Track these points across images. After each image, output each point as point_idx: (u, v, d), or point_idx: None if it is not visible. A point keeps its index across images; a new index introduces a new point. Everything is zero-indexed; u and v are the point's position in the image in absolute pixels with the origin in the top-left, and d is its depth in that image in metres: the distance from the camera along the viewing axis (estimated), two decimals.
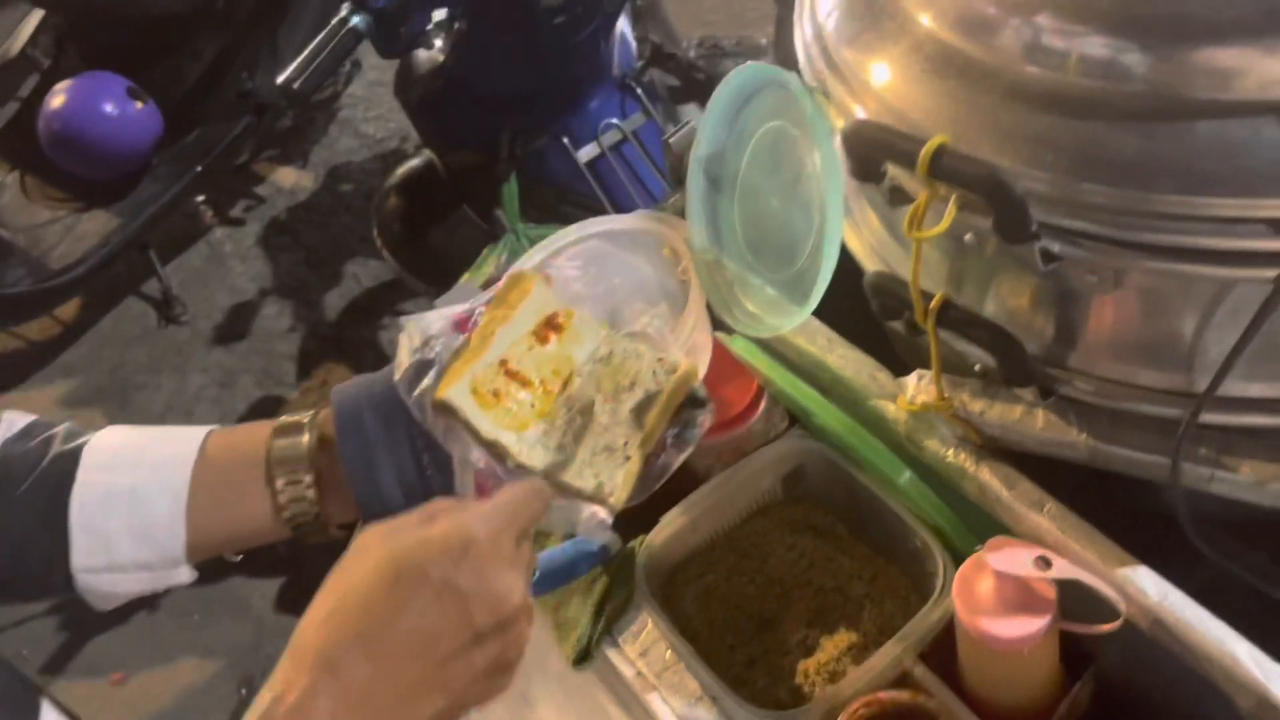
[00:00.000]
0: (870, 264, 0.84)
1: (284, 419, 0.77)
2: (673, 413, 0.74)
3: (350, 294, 2.83)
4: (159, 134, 2.71)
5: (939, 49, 0.71)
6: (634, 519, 0.94)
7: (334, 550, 0.81)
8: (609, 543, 0.92)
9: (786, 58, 0.88)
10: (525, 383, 0.74)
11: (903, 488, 0.82)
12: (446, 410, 0.72)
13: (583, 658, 0.91)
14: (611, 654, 0.90)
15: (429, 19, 1.71)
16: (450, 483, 0.75)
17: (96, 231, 2.69)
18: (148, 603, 2.19)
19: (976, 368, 0.77)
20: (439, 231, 2.01)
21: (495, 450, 0.72)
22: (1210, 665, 0.67)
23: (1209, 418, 0.67)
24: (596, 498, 0.71)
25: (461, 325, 0.77)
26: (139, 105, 2.67)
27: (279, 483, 0.74)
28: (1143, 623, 0.70)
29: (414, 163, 2.06)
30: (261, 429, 0.76)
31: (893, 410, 0.81)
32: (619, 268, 1.04)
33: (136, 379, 2.77)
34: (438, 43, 1.81)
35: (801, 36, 0.83)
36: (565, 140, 1.83)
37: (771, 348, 0.92)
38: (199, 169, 2.72)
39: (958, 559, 0.81)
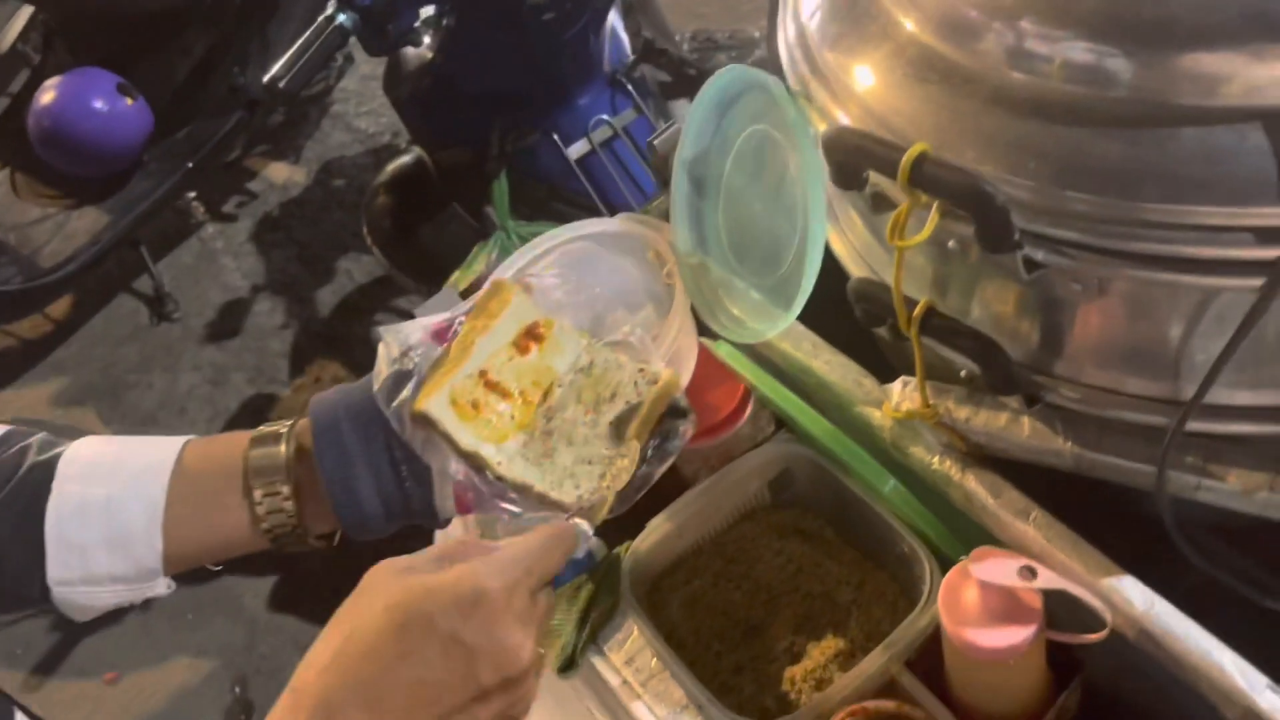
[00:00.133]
0: (855, 268, 0.84)
1: (262, 429, 0.76)
2: (654, 424, 0.73)
3: (343, 290, 2.82)
4: (149, 130, 2.69)
5: (921, 53, 0.70)
6: (619, 525, 0.94)
7: (327, 552, 0.80)
8: (593, 549, 0.92)
9: (778, 53, 0.87)
10: (505, 394, 0.74)
11: (888, 496, 0.82)
12: (425, 422, 0.71)
13: (567, 666, 0.90)
14: (597, 662, 0.89)
15: (416, 16, 1.70)
16: (429, 494, 0.74)
17: (87, 229, 2.67)
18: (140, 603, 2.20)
19: (962, 374, 0.76)
20: (429, 229, 2.00)
21: (474, 462, 0.71)
22: (1196, 676, 0.66)
23: (1196, 426, 0.66)
24: (577, 511, 0.70)
25: (440, 335, 0.76)
26: (129, 102, 2.66)
27: (257, 493, 0.73)
28: (1129, 632, 0.69)
29: (404, 160, 2.06)
30: (239, 439, 0.76)
31: (878, 417, 0.80)
32: (602, 273, 1.03)
33: (128, 377, 2.76)
34: (426, 40, 1.80)
35: (784, 38, 0.82)
36: (555, 137, 1.82)
37: (756, 353, 0.91)
38: (190, 165, 2.70)
39: (945, 565, 0.81)
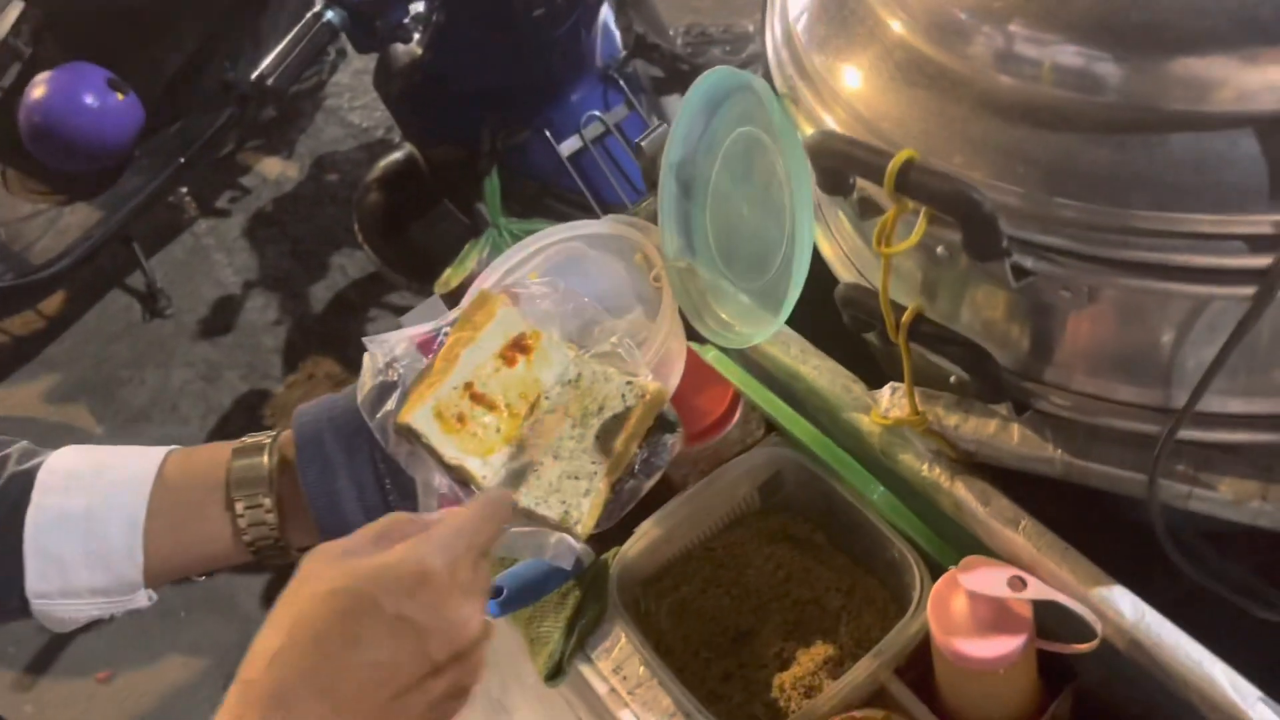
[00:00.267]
0: (844, 271, 0.83)
1: (244, 440, 0.75)
2: (641, 437, 0.72)
3: (336, 286, 2.81)
4: (140, 126, 2.68)
5: (909, 56, 0.68)
6: (607, 531, 0.93)
7: None
8: (581, 555, 0.91)
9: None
10: (491, 406, 0.73)
11: (876, 503, 0.81)
12: (409, 434, 0.70)
13: (555, 674, 0.89)
14: (584, 670, 0.89)
15: (405, 12, 1.69)
16: (414, 507, 0.73)
17: (79, 225, 2.66)
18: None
19: (952, 379, 0.75)
20: (420, 227, 1.99)
21: (460, 475, 0.70)
22: (1187, 687, 0.66)
23: (1187, 434, 0.65)
24: (563, 526, 0.69)
25: (425, 346, 0.75)
26: (119, 97, 2.64)
27: (239, 506, 0.73)
28: (1119, 643, 0.68)
29: (395, 157, 2.04)
30: (221, 450, 0.75)
31: (867, 423, 0.79)
32: (591, 275, 1.02)
33: (121, 373, 2.75)
34: (416, 36, 1.79)
35: (772, 39, 0.81)
36: (547, 133, 1.81)
37: (744, 357, 0.90)
38: (182, 160, 2.69)
39: (935, 571, 0.80)
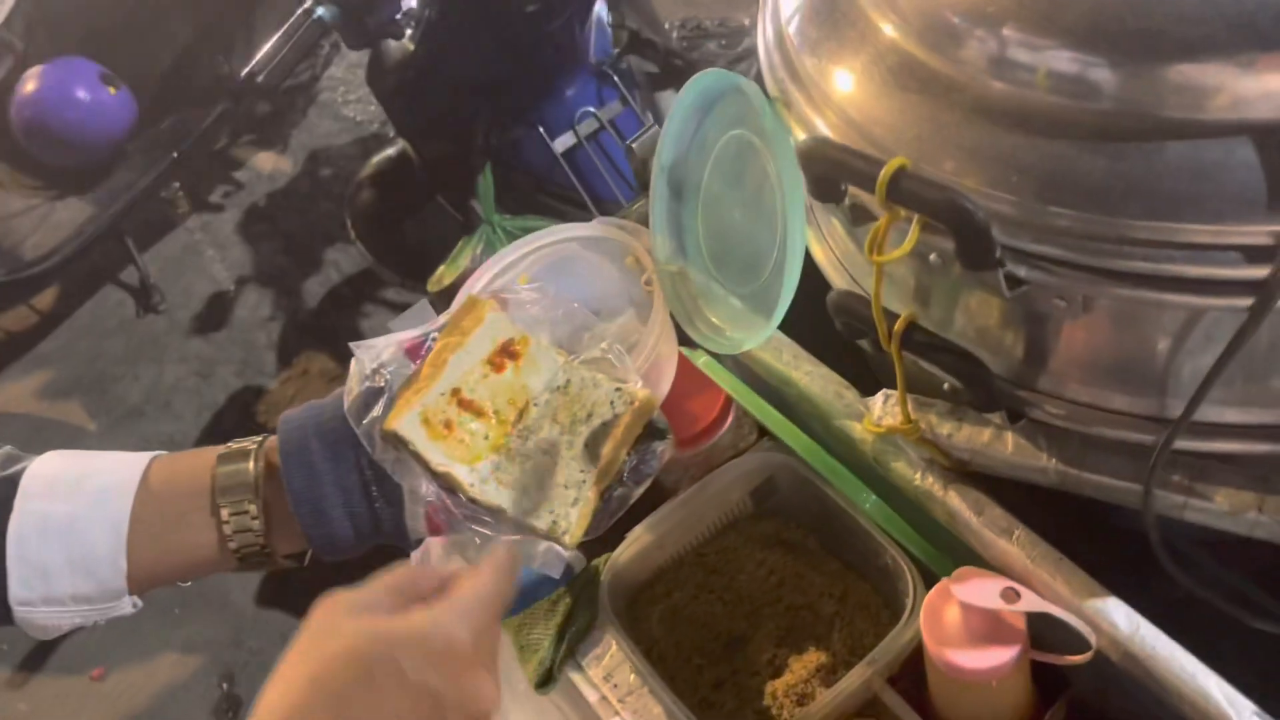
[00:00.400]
0: (836, 276, 0.82)
1: (230, 446, 0.75)
2: (631, 444, 0.71)
3: (330, 281, 2.80)
4: (133, 120, 2.67)
5: (901, 60, 0.67)
6: (598, 537, 0.92)
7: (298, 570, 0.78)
8: (571, 562, 0.90)
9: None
10: (479, 413, 0.72)
11: (868, 512, 0.80)
12: (396, 441, 0.70)
13: (545, 682, 0.89)
14: (575, 678, 0.88)
15: (397, 8, 1.67)
16: (400, 515, 0.72)
17: (71, 220, 2.66)
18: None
19: (945, 387, 0.74)
20: (413, 223, 1.98)
21: (446, 483, 0.69)
22: (1181, 700, 0.65)
23: (1183, 444, 0.64)
24: (551, 535, 0.68)
25: (413, 352, 0.74)
26: (112, 91, 2.63)
27: (224, 512, 0.72)
28: (1113, 655, 0.68)
29: (388, 153, 2.03)
30: (206, 456, 0.74)
31: (859, 431, 0.79)
32: (582, 277, 1.01)
33: (114, 370, 2.74)
34: (408, 32, 1.77)
35: (764, 41, 0.80)
36: (541, 130, 1.79)
37: (736, 363, 0.89)
38: (175, 155, 2.68)
39: (928, 577, 0.79)
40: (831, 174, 0.66)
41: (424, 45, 1.76)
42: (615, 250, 0.97)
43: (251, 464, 0.73)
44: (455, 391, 0.72)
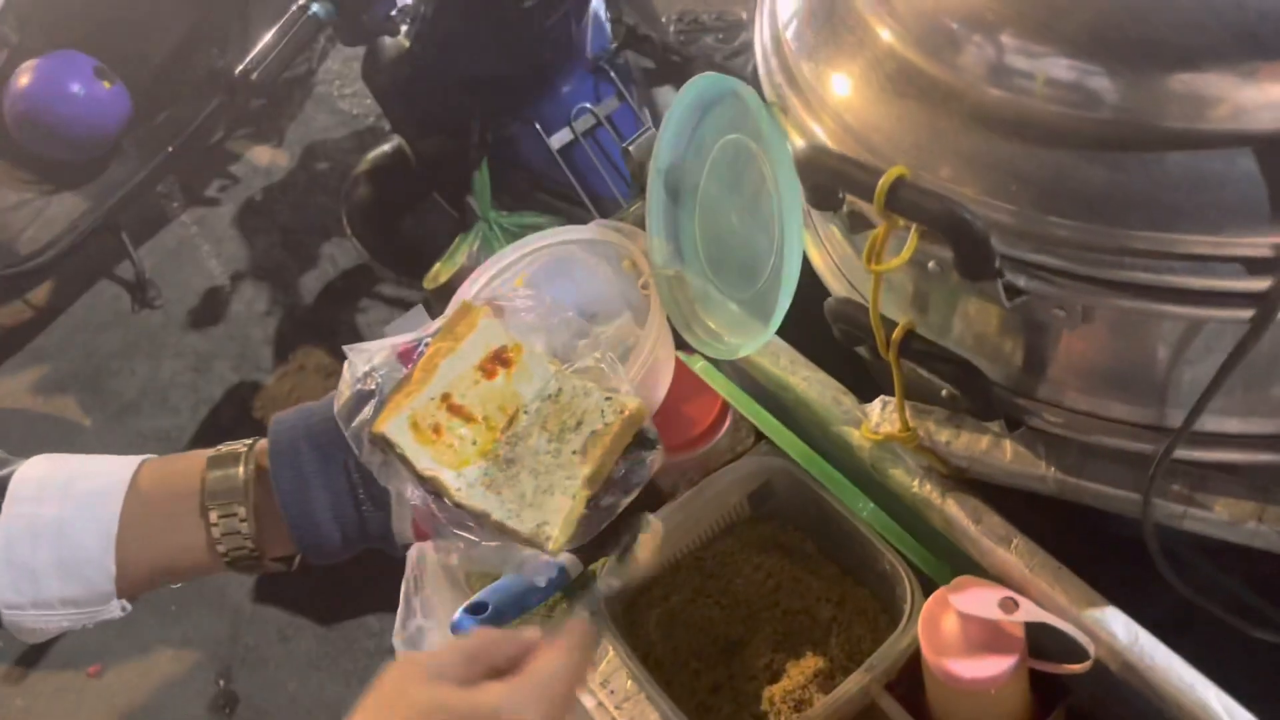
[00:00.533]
0: (834, 281, 0.81)
1: (220, 449, 0.74)
2: (620, 453, 0.71)
3: (327, 276, 2.79)
4: (127, 115, 2.66)
5: (899, 67, 0.67)
6: (595, 541, 0.92)
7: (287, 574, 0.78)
8: (568, 566, 0.90)
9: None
10: (468, 418, 0.71)
11: (865, 520, 0.80)
12: (384, 444, 0.69)
13: None
14: None
15: (393, 4, 1.66)
16: (387, 519, 0.72)
17: (66, 215, 2.64)
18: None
19: (943, 393, 0.74)
20: (410, 220, 1.97)
21: (433, 487, 0.69)
22: (1180, 711, 0.65)
23: (1182, 453, 0.64)
24: (534, 541, 0.68)
25: (406, 356, 0.74)
26: (106, 85, 2.62)
27: (213, 515, 0.71)
28: (1112, 665, 0.67)
29: (383, 149, 2.02)
30: (196, 459, 0.74)
31: (857, 437, 0.78)
32: (578, 284, 1.01)
33: (110, 365, 2.73)
34: (404, 28, 1.77)
35: (761, 46, 0.79)
36: (537, 126, 1.78)
37: (733, 367, 0.89)
38: (170, 150, 2.67)
39: (926, 583, 0.79)
40: (829, 183, 0.66)
41: (420, 42, 1.76)
42: (612, 253, 0.96)
43: (241, 468, 0.72)
44: (445, 396, 0.72)
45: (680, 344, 0.89)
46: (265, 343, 2.70)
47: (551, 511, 0.68)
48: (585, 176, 1.80)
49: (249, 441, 0.75)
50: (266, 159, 3.13)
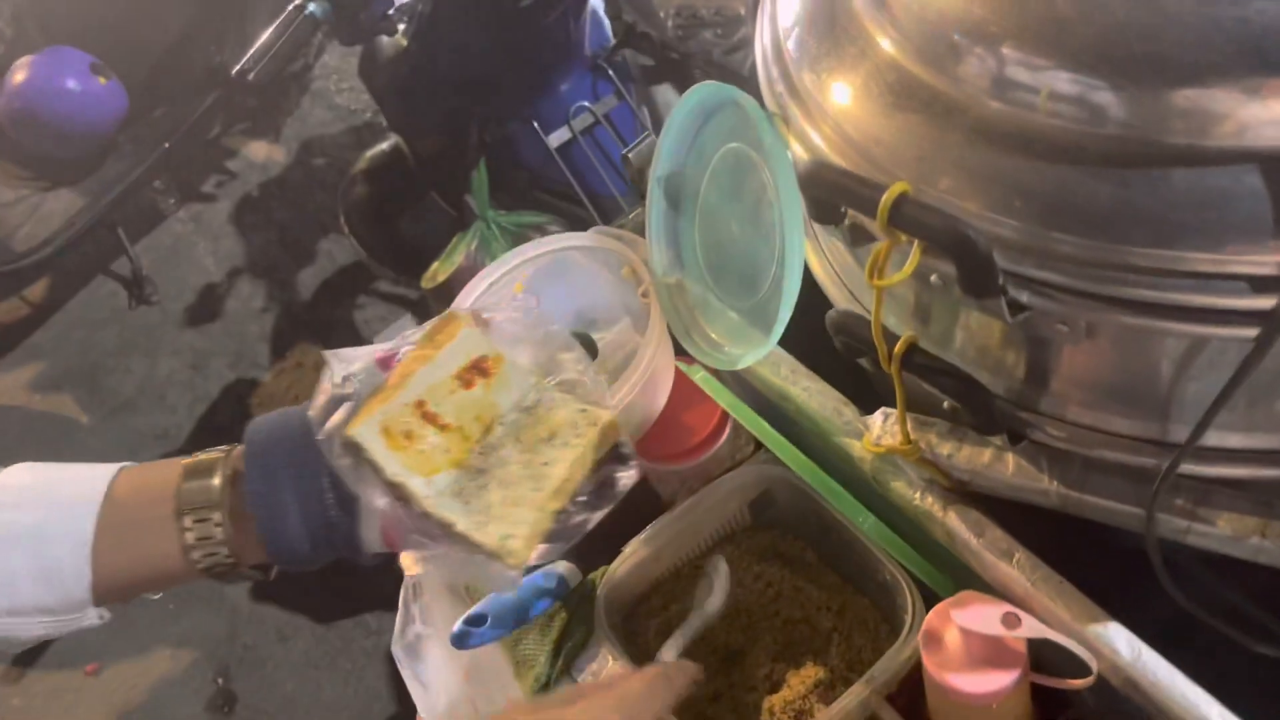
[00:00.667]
0: (835, 291, 0.81)
1: (197, 457, 0.74)
2: (591, 467, 0.70)
3: (324, 273, 2.79)
4: (123, 111, 2.65)
5: (901, 78, 0.66)
6: (594, 550, 0.92)
7: (265, 582, 0.77)
8: (567, 575, 0.89)
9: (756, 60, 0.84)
10: (443, 427, 0.70)
11: (866, 533, 0.79)
12: (354, 448, 0.68)
13: None
14: None
15: (390, 3, 1.65)
16: (355, 523, 0.71)
17: (62, 211, 2.64)
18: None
19: (945, 404, 0.74)
20: (408, 219, 1.96)
21: (401, 494, 0.68)
22: None
23: (1186, 468, 0.64)
24: (497, 554, 0.66)
25: (385, 363, 0.73)
26: (102, 81, 2.61)
27: (187, 521, 0.71)
28: (1115, 680, 0.67)
29: (381, 148, 2.01)
30: (173, 467, 0.73)
31: (858, 448, 0.78)
32: (578, 289, 1.00)
33: (107, 362, 2.73)
34: (401, 27, 1.75)
35: (761, 54, 0.79)
36: (535, 125, 1.77)
37: (733, 376, 0.88)
38: (166, 146, 2.66)
39: (927, 593, 0.79)
40: (831, 198, 0.65)
41: (417, 41, 1.75)
42: (612, 260, 0.96)
43: (217, 478, 0.72)
44: (420, 404, 0.70)
45: (680, 353, 0.88)
46: (262, 340, 2.69)
47: (517, 524, 0.67)
48: (584, 175, 1.79)
49: (227, 448, 0.74)
50: (263, 155, 3.13)
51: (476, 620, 0.82)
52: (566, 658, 0.88)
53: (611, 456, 0.71)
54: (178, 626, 2.23)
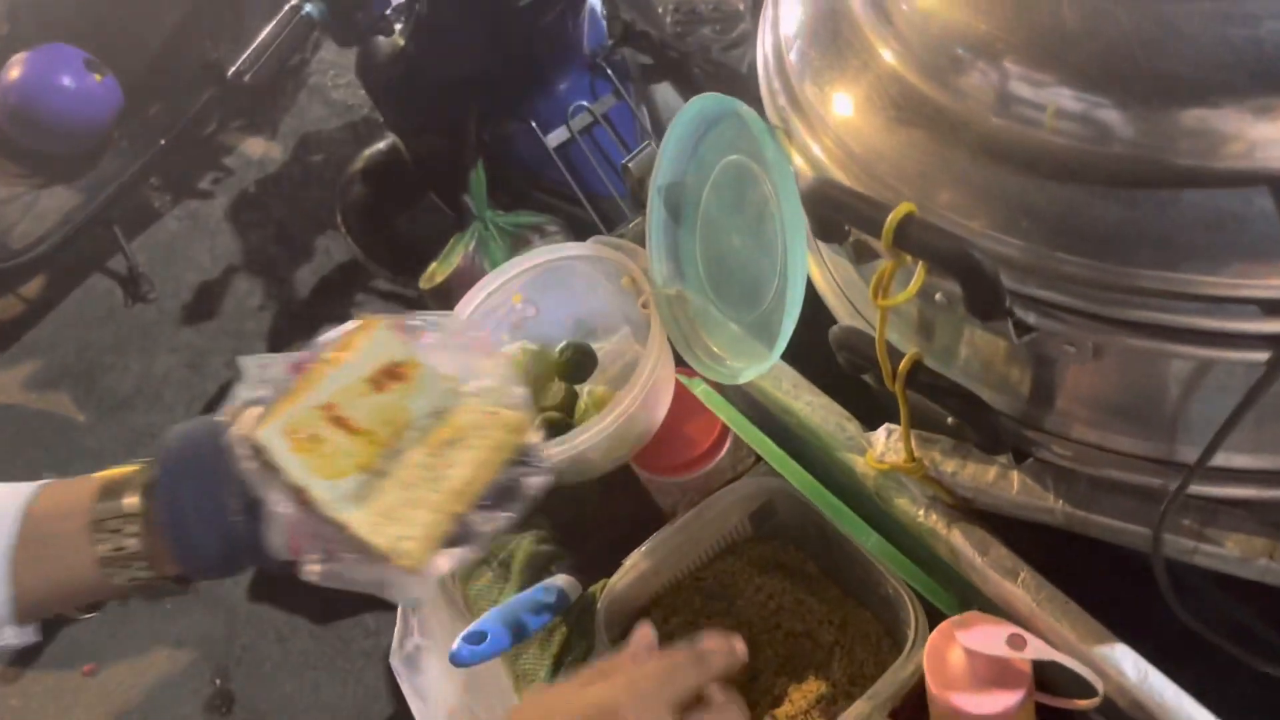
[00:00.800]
0: (838, 305, 0.80)
1: (115, 470, 0.73)
2: (496, 470, 0.69)
3: (322, 270, 2.77)
4: (118, 108, 2.64)
5: (904, 92, 0.65)
6: (594, 563, 0.91)
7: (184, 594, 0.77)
8: (567, 589, 0.89)
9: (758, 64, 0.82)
10: (352, 430, 0.69)
11: (870, 551, 0.79)
12: (259, 452, 0.67)
13: None
14: None
15: (387, 3, 1.64)
16: (259, 527, 0.70)
17: (58, 209, 2.62)
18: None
19: (949, 421, 0.73)
20: (405, 220, 1.95)
21: (303, 497, 0.66)
22: None
23: (1193, 489, 0.63)
24: (390, 554, 0.65)
25: (299, 368, 0.72)
26: (97, 78, 2.60)
27: (101, 534, 0.70)
28: (1121, 702, 0.67)
29: (378, 148, 2.00)
30: (91, 482, 0.72)
31: (861, 465, 0.77)
32: (578, 297, 1.00)
33: (103, 360, 2.71)
34: (398, 27, 1.74)
35: (764, 63, 0.78)
36: (534, 124, 1.76)
37: (735, 390, 0.87)
38: (162, 143, 2.65)
39: (930, 608, 0.78)
40: (835, 216, 0.64)
41: (414, 41, 1.73)
42: (611, 269, 0.95)
43: (133, 488, 0.71)
44: (330, 407, 0.69)
45: (680, 365, 0.87)
46: (260, 337, 2.68)
47: (414, 526, 0.66)
48: (582, 175, 1.78)
49: (149, 459, 0.73)
50: (260, 151, 3.11)
51: (476, 638, 0.82)
52: (567, 671, 0.87)
53: (522, 462, 0.70)
54: (175, 627, 2.22)
